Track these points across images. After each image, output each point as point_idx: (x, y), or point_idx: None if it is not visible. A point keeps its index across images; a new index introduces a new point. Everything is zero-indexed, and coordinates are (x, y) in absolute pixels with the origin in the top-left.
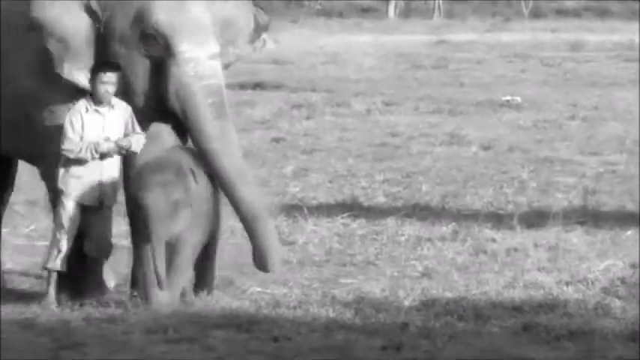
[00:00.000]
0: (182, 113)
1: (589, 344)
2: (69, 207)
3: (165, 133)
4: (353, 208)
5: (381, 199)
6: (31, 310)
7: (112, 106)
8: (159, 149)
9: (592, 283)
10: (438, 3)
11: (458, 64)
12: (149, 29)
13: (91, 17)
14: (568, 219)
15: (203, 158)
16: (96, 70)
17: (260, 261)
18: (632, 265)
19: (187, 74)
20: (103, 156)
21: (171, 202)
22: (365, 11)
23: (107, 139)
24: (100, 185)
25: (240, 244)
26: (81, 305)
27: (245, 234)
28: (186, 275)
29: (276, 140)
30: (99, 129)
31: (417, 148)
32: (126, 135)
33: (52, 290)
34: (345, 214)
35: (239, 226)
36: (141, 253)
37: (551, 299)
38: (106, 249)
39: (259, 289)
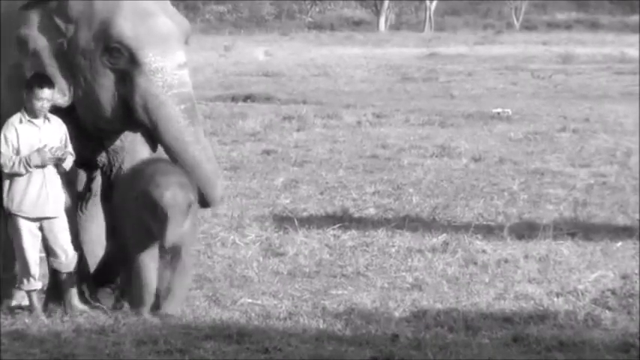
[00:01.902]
0: (151, 124)
1: (579, 355)
2: (20, 224)
3: (139, 144)
4: (343, 220)
5: (371, 211)
6: (22, 321)
7: (48, 120)
8: (134, 161)
9: (582, 294)
10: (429, 16)
11: (448, 76)
12: (113, 42)
13: (56, 33)
14: (558, 230)
15: (181, 165)
16: (31, 85)
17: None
18: (623, 277)
19: (155, 85)
20: (42, 166)
21: (187, 203)
22: (356, 24)
23: (39, 150)
24: (47, 196)
25: (231, 255)
26: (71, 316)
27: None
28: (189, 278)
29: (267, 152)
30: (35, 140)
31: (407, 160)
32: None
33: (37, 304)
34: (335, 226)
35: (230, 237)
36: (135, 262)
37: (541, 310)
38: (70, 260)
39: (249, 301)
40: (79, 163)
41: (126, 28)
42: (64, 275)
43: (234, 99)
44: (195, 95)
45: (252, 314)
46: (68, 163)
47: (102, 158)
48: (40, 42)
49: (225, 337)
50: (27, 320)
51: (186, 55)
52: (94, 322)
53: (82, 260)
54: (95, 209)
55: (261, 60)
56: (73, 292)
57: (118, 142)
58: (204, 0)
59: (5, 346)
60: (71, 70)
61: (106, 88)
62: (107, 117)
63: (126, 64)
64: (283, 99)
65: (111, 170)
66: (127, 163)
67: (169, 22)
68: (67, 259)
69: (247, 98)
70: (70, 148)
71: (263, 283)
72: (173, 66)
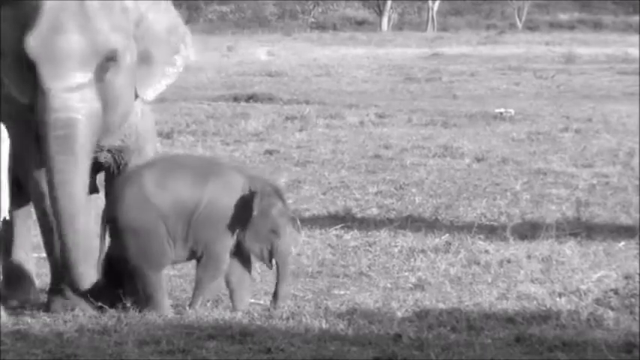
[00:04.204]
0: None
1: (582, 355)
2: None
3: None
4: (346, 220)
5: (374, 211)
6: (24, 321)
7: None
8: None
9: (585, 294)
10: (432, 16)
11: (451, 76)
12: (28, 57)
13: (17, 32)
14: (561, 231)
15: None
16: None
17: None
18: (625, 277)
19: (41, 105)
20: None
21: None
22: (359, 24)
23: None
24: None
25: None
26: (73, 316)
27: None
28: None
29: (270, 152)
30: None
31: (410, 160)
32: None
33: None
34: (338, 226)
35: None
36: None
37: (544, 310)
38: (20, 266)
39: (252, 300)
40: None
41: (35, 43)
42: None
43: (236, 99)
44: (198, 95)
45: (255, 314)
46: None
47: (106, 158)
48: (5, 41)
49: (228, 337)
50: (29, 320)
51: (88, 77)
52: (97, 322)
53: None
54: (92, 204)
55: (263, 60)
56: None
57: (119, 142)
58: (206, 0)
59: (7, 346)
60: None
61: (32, 104)
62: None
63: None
64: (286, 99)
65: (118, 169)
66: (135, 162)
67: (77, 41)
68: (20, 265)
69: (250, 98)
70: None
71: (265, 283)
72: (61, 88)
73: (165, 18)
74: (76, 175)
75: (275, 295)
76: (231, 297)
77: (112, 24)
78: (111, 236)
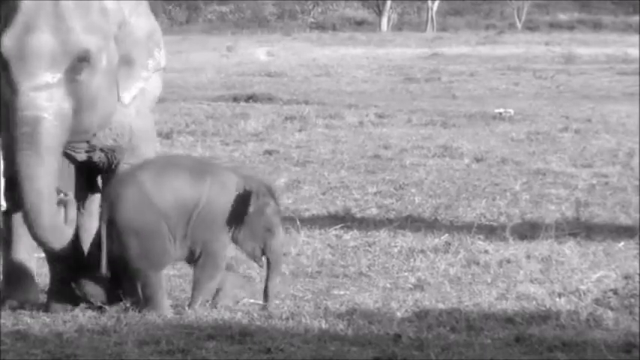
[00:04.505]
0: None
1: (581, 355)
2: None
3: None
4: (346, 220)
5: (373, 211)
6: (24, 322)
7: None
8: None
9: (584, 294)
10: (431, 16)
11: (450, 76)
12: (2, 56)
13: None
14: (560, 231)
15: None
16: None
17: None
18: (625, 277)
19: (12, 103)
20: None
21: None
22: (358, 24)
23: None
24: None
25: (233, 255)
26: (73, 316)
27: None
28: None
29: (269, 152)
30: None
31: (409, 161)
32: None
33: None
34: (337, 226)
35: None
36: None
37: (543, 311)
38: (21, 266)
39: (252, 301)
40: (76, 162)
41: (7, 42)
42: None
43: (236, 99)
44: (198, 95)
45: (255, 314)
46: None
47: (100, 158)
48: None
49: (228, 337)
50: (29, 320)
51: (58, 77)
52: (97, 323)
53: (81, 259)
54: (94, 207)
55: (263, 60)
56: None
57: (111, 142)
58: (206, 0)
59: (7, 347)
60: None
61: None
62: None
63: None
64: (285, 99)
65: (110, 169)
66: (129, 161)
67: (47, 40)
68: None
69: (249, 98)
70: None
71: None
72: (29, 86)
73: (145, 22)
74: (41, 172)
75: (265, 293)
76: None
77: (87, 24)
78: (109, 236)
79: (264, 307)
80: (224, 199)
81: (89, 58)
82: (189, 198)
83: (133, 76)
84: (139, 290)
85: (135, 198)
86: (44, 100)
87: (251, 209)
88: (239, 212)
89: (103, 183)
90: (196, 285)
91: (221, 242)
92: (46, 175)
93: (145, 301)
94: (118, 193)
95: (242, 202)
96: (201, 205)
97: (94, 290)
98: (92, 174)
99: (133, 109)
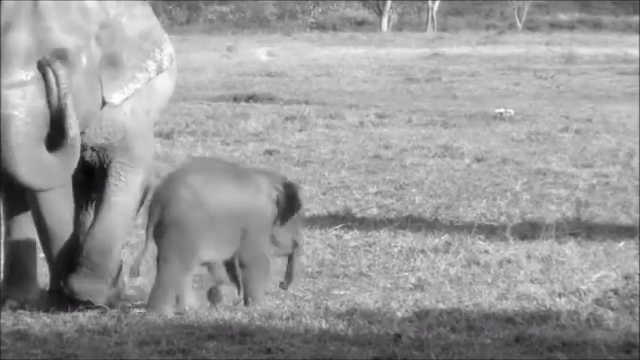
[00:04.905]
0: None
1: (581, 356)
2: None
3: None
4: (346, 220)
5: (374, 211)
6: (24, 322)
7: None
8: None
9: (585, 294)
10: (432, 16)
11: (451, 76)
12: None
13: None
14: (561, 231)
15: None
16: None
17: None
18: (625, 277)
19: None
20: None
21: None
22: (359, 24)
23: None
24: None
25: None
26: (73, 316)
27: None
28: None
29: (270, 152)
30: None
31: (410, 161)
32: None
33: None
34: (338, 226)
35: None
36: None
37: (543, 311)
38: (22, 265)
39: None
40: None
41: None
42: None
43: (236, 99)
44: (198, 95)
45: (255, 314)
46: None
47: (92, 156)
48: None
49: (228, 337)
50: (29, 320)
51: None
52: (97, 323)
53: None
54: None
55: (263, 60)
56: None
57: (102, 140)
58: (206, 0)
59: (7, 346)
60: None
61: None
62: None
63: None
64: (286, 99)
65: (103, 168)
66: (120, 160)
67: (24, 39)
68: None
69: (250, 98)
70: None
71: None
72: (3, 84)
73: (140, 23)
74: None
75: (289, 274)
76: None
77: (66, 24)
78: (155, 236)
79: (284, 287)
80: (265, 201)
81: (67, 57)
82: (238, 201)
83: (121, 77)
84: (159, 283)
85: (188, 200)
86: (17, 97)
87: (298, 208)
88: (286, 211)
89: (98, 182)
90: (251, 286)
91: (266, 242)
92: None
93: (156, 296)
94: (171, 195)
95: (288, 201)
96: (248, 208)
97: (81, 287)
98: (88, 172)
99: (127, 108)
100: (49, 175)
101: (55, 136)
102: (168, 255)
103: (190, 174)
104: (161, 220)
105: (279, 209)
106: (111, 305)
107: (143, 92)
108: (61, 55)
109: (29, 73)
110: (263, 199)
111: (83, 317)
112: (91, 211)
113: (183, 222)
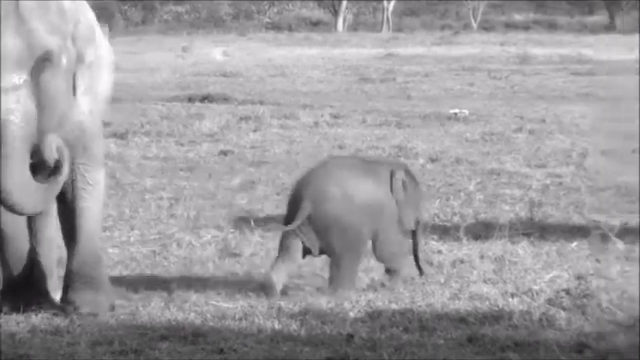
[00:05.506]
0: None
1: (533, 356)
2: None
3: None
4: None
5: None
6: None
7: None
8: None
9: (537, 294)
10: (387, 16)
11: (406, 77)
12: None
13: None
14: (514, 231)
15: None
16: None
17: None
18: (578, 277)
19: None
20: None
21: None
22: (314, 24)
23: None
24: None
25: (187, 256)
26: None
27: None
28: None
29: (224, 153)
30: None
31: None
32: None
33: None
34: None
35: (186, 238)
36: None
37: (496, 311)
38: None
39: (205, 301)
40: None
41: None
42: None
43: (191, 99)
44: (153, 96)
45: (208, 315)
46: None
47: (49, 157)
48: None
49: (181, 337)
50: None
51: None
52: (49, 323)
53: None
54: (52, 208)
55: (218, 60)
56: None
57: (62, 140)
58: (162, 0)
59: None
60: None
61: None
62: None
63: None
64: (240, 99)
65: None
66: (81, 161)
67: (12, 42)
68: None
69: (204, 99)
70: None
71: (219, 283)
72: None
73: (90, 18)
74: (7, 173)
75: (418, 261)
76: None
77: (48, 25)
78: (303, 231)
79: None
80: (388, 191)
81: (52, 59)
82: (376, 195)
83: (85, 75)
84: (335, 272)
85: (338, 196)
86: (12, 102)
87: (419, 190)
88: (410, 194)
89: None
90: (395, 268)
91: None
92: (14, 177)
93: (336, 281)
94: (320, 191)
95: (411, 185)
96: (382, 200)
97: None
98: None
99: (87, 109)
100: (34, 199)
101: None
102: (341, 248)
103: (337, 172)
104: (315, 216)
105: (405, 193)
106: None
107: (93, 92)
108: (48, 58)
109: (22, 77)
110: (388, 189)
111: (36, 318)
112: (51, 213)
113: (338, 219)
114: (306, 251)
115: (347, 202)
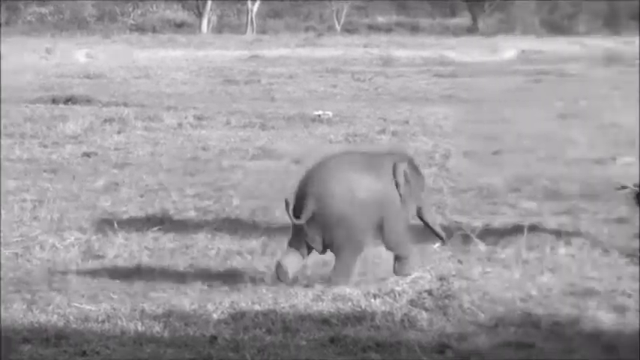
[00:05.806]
0: None
1: (395, 356)
2: None
3: None
4: (164, 222)
5: (191, 213)
6: None
7: None
8: None
9: (399, 295)
10: (251, 18)
11: (270, 78)
12: None
13: None
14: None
15: None
16: None
17: None
18: (440, 278)
19: None
20: None
21: None
22: (178, 26)
23: None
24: None
25: (50, 258)
26: None
27: (55, 247)
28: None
29: (87, 155)
30: None
31: (227, 162)
32: None
33: None
34: (155, 228)
35: (49, 240)
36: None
37: (358, 312)
38: None
39: (68, 303)
40: None
41: None
42: None
43: (54, 101)
44: (16, 97)
45: (71, 317)
46: None
47: None
48: None
49: (43, 340)
50: None
51: None
52: None
53: None
54: None
55: (82, 62)
56: None
57: None
58: (25, 1)
59: None
60: None
61: None
62: None
63: None
64: (104, 101)
65: None
66: None
67: None
68: None
69: (68, 100)
70: None
71: (82, 285)
72: None
73: None
74: None
75: (436, 231)
76: None
77: None
78: (310, 227)
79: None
80: (391, 182)
81: None
82: (379, 189)
83: None
84: (337, 265)
85: (342, 193)
86: None
87: (421, 178)
88: (412, 184)
89: None
90: (403, 255)
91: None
92: None
93: (337, 273)
94: (324, 188)
95: (413, 175)
96: (385, 193)
97: None
98: None
99: None
100: None
101: None
102: (341, 243)
103: (339, 169)
104: (320, 213)
105: (407, 185)
106: None
107: None
108: None
109: None
110: (392, 183)
111: None
112: None
113: (342, 215)
114: (310, 249)
115: (350, 199)
